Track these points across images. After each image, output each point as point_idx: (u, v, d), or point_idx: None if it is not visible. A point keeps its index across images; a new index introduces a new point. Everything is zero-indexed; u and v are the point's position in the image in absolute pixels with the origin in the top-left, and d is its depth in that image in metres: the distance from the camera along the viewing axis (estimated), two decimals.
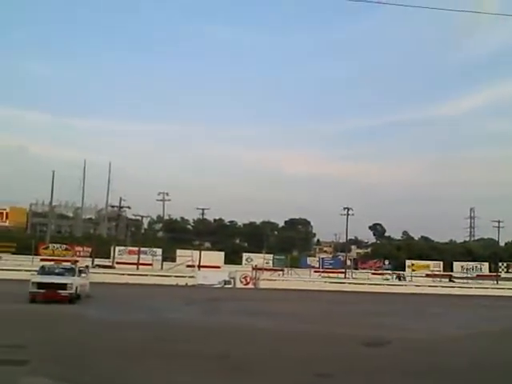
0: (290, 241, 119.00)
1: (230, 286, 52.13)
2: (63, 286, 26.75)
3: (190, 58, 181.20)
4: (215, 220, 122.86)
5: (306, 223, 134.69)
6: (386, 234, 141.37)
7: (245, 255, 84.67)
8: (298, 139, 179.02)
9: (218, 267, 68.96)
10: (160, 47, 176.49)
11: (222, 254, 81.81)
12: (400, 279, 74.01)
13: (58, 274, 28.63)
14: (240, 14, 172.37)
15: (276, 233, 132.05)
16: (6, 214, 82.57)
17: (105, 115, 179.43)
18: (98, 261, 65.85)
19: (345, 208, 79.20)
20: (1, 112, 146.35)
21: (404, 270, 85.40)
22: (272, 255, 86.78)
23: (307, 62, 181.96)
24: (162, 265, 72.45)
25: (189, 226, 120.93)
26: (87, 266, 36.29)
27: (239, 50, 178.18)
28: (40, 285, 26.67)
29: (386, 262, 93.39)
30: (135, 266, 66.32)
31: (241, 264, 78.53)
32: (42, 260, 58.81)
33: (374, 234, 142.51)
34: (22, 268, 46.78)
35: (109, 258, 71.12)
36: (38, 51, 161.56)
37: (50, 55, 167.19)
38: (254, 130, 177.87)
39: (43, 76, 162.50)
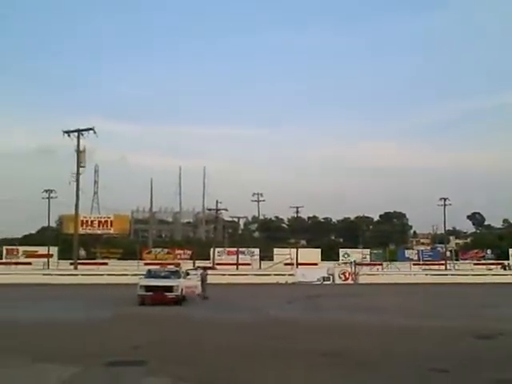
0: (385, 234, 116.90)
1: (329, 282, 51.79)
2: (170, 289, 27.43)
3: (276, 62, 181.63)
4: (309, 218, 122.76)
5: (401, 216, 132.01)
6: (486, 223, 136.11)
7: (341, 251, 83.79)
8: (389, 130, 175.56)
9: (316, 264, 68.72)
10: (246, 52, 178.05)
11: (319, 250, 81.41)
12: (505, 269, 71.04)
13: (164, 277, 29.40)
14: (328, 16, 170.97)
15: (371, 227, 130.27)
16: (111, 222, 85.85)
17: (197, 121, 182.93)
18: (198, 263, 67.21)
19: (441, 198, 76.93)
20: (101, 125, 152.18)
21: (508, 260, 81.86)
22: (369, 250, 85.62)
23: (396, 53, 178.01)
24: (260, 264, 73.05)
25: (284, 225, 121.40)
26: (206, 268, 36.90)
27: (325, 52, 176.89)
28: (148, 288, 27.47)
29: (488, 252, 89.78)
30: (235, 267, 67.20)
31: (337, 260, 77.77)
32: (145, 264, 60.70)
33: (473, 224, 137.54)
34: (128, 273, 48.38)
35: (208, 259, 72.41)
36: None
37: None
38: (344, 124, 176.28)
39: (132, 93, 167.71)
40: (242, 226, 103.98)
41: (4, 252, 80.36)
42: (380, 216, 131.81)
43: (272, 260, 74.79)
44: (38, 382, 10.18)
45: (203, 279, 32.35)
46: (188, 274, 31.82)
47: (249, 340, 15.89)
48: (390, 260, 76.38)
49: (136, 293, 27.60)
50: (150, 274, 30.57)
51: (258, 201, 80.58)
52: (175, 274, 30.23)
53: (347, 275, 53.74)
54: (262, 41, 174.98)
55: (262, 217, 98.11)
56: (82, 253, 74.84)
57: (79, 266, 59.34)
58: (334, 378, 10.79)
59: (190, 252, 76.95)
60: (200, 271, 34.84)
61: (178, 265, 47.45)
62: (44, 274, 52.13)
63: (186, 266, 48.99)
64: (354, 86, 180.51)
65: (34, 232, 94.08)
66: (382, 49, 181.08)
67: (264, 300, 30.83)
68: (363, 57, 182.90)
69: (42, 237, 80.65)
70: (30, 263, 70.90)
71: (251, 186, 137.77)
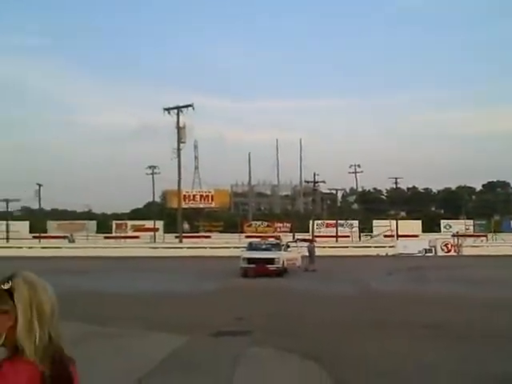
0: (489, 205, 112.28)
1: (431, 254, 50.68)
2: (271, 261, 27.87)
3: (379, 31, 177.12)
4: (408, 188, 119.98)
5: (505, 185, 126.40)
6: None
7: (443, 222, 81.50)
8: (488, 96, 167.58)
9: (416, 236, 67.33)
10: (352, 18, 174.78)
11: (419, 222, 79.63)
12: None
13: (265, 250, 29.90)
14: None
15: (473, 197, 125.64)
16: (212, 196, 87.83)
17: (292, 93, 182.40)
18: (297, 235, 67.59)
19: None
20: (200, 102, 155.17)
21: None
22: (472, 221, 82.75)
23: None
24: (359, 236, 72.50)
25: (382, 197, 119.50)
26: (312, 241, 37.22)
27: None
28: (250, 260, 28.05)
29: None
30: (334, 239, 67.08)
31: (439, 232, 75.82)
32: (246, 237, 61.78)
33: None
34: (230, 245, 49.43)
35: (307, 232, 72.64)
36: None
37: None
38: (443, 91, 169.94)
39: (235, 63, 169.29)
40: (340, 199, 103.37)
41: (114, 226, 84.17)
42: (483, 185, 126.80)
43: (371, 232, 74.00)
44: (151, 350, 10.72)
45: (310, 252, 32.50)
46: (288, 247, 32.14)
47: (350, 312, 15.93)
48: (495, 231, 73.53)
49: (238, 265, 28.25)
50: (251, 247, 31.17)
51: (356, 172, 79.91)
52: (276, 247, 30.68)
53: (450, 247, 52.35)
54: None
55: (360, 188, 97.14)
56: (186, 226, 77.10)
57: (184, 240, 61.28)
58: (437, 350, 10.67)
59: (289, 225, 77.45)
60: (307, 244, 35.17)
61: (278, 237, 47.95)
62: (151, 248, 54.26)
63: (286, 238, 49.43)
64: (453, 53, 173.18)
65: (140, 207, 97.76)
66: None
67: (364, 272, 30.65)
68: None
69: (148, 211, 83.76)
70: (137, 237, 73.98)
71: (348, 158, 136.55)
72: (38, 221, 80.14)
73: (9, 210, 76.95)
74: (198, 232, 77.01)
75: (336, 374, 8.82)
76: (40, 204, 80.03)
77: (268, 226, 79.02)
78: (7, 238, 67.89)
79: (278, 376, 8.92)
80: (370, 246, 54.63)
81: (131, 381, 8.43)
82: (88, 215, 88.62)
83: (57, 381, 1.97)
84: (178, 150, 62.85)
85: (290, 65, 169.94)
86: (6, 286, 2.01)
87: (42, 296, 2.04)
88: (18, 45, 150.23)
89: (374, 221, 79.35)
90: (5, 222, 71.87)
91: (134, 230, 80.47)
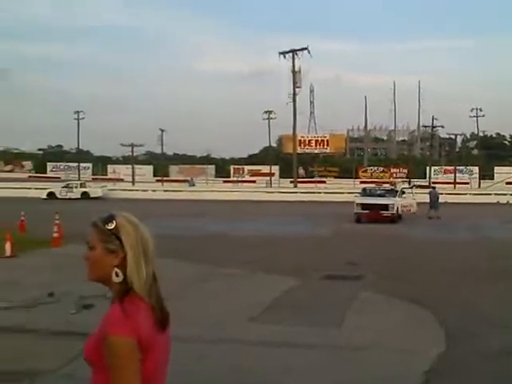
0: None
1: None
2: (385, 207, 27.53)
3: None
4: None
5: None
6: None
7: None
8: None
9: None
10: None
11: None
12: None
13: (379, 196, 29.54)
14: None
15: None
16: (327, 141, 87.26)
17: (411, 36, 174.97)
18: (413, 181, 66.03)
19: None
20: (315, 45, 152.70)
21: None
22: None
23: None
24: (479, 183, 69.62)
25: (506, 142, 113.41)
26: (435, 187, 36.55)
27: None
28: (364, 206, 27.86)
29: None
30: (452, 186, 64.90)
31: None
32: (361, 183, 61.17)
33: None
34: (344, 191, 49.23)
35: (424, 178, 70.70)
36: None
37: None
38: None
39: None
40: (459, 144, 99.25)
41: (231, 171, 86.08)
42: None
43: (492, 179, 70.79)
44: (263, 290, 11.07)
45: (433, 198, 31.64)
46: (403, 193, 31.53)
47: (467, 260, 15.53)
48: None
49: (352, 211, 28.16)
50: (365, 193, 30.88)
51: (477, 116, 75.83)
52: (391, 193, 30.21)
53: None
54: None
55: (481, 133, 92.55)
56: (301, 171, 77.47)
57: (298, 185, 61.68)
58: None
59: (405, 170, 75.76)
60: (430, 190, 34.46)
61: (393, 183, 47.10)
62: (267, 192, 55.10)
63: (402, 184, 48.42)
64: None
65: (257, 151, 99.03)
66: None
67: (485, 219, 29.51)
68: None
69: (264, 156, 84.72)
70: (254, 181, 75.32)
71: (469, 102, 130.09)
72: (161, 165, 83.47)
73: (134, 154, 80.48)
74: (312, 177, 77.16)
75: (446, 323, 8.72)
76: (162, 149, 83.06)
77: (383, 171, 77.64)
78: (133, 182, 71.31)
79: (387, 320, 8.96)
80: (490, 194, 52.35)
81: (244, 316, 8.81)
82: (207, 160, 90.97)
83: (161, 315, 2.08)
84: (294, 94, 62.61)
85: (410, 4, 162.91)
86: (110, 226, 2.06)
87: (146, 234, 2.11)
88: None
89: (496, 167, 75.76)
90: (130, 166, 75.30)
91: (251, 175, 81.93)
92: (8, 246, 14.27)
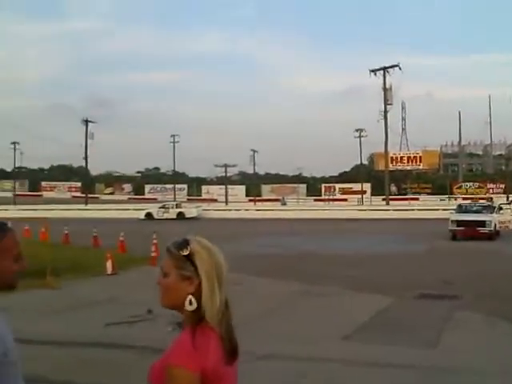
0: None
1: None
2: (482, 224, 26.55)
3: None
4: None
5: None
6: None
7: None
8: None
9: None
10: None
11: None
12: None
13: (475, 212, 28.53)
14: None
15: None
16: (420, 157, 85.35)
17: (503, 46, 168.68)
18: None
19: None
20: (406, 61, 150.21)
21: None
22: None
23: None
24: None
25: None
26: None
27: None
28: (459, 222, 26.99)
29: None
30: None
31: None
32: (456, 199, 59.30)
33: None
34: (438, 207, 47.92)
35: None
36: None
37: None
38: None
39: None
40: None
41: (322, 189, 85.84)
42: None
43: None
44: (356, 309, 10.95)
45: None
46: (501, 209, 30.28)
47: None
48: None
49: (447, 227, 27.35)
50: (461, 209, 29.96)
51: None
52: (488, 209, 29.11)
53: None
54: None
55: None
56: (393, 188, 76.10)
57: (391, 202, 60.62)
58: None
59: (502, 186, 72.78)
60: None
61: (490, 199, 45.37)
62: (358, 210, 54.52)
63: (499, 200, 46.55)
64: None
65: (348, 170, 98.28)
66: None
67: None
68: None
69: (355, 174, 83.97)
70: (345, 199, 74.71)
71: None
72: (253, 185, 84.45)
73: (227, 174, 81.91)
74: (405, 194, 75.63)
75: None
76: (255, 169, 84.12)
77: (479, 187, 75.03)
78: (226, 201, 72.58)
79: (485, 341, 8.62)
80: None
81: (338, 335, 8.74)
82: (298, 179, 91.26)
83: (229, 346, 1.99)
84: (385, 111, 61.85)
85: (503, 14, 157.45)
86: (185, 252, 1.98)
87: (220, 259, 2.04)
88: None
89: None
90: (224, 187, 76.70)
91: (342, 193, 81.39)
92: (109, 264, 14.91)
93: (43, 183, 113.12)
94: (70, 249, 21.75)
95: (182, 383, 1.85)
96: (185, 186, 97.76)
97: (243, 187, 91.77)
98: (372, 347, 8.12)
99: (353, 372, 7.06)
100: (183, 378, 1.85)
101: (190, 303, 1.95)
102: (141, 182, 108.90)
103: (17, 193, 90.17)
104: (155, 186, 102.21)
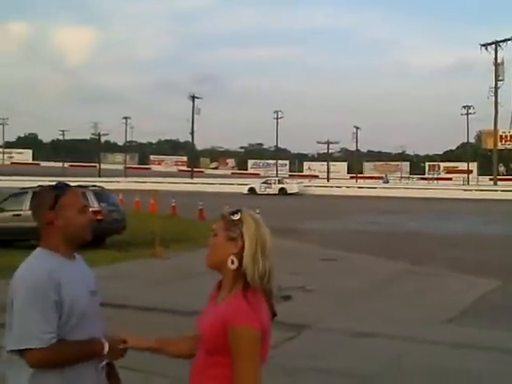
0: None
1: None
2: None
3: None
4: None
5: None
6: None
7: None
8: None
9: None
10: None
11: None
12: None
13: None
14: None
15: None
16: None
17: None
18: None
19: None
20: None
21: None
22: None
23: None
24: None
25: None
26: None
27: None
28: None
29: None
30: None
31: None
32: None
33: None
34: None
35: None
36: None
37: None
38: None
39: None
40: None
41: (426, 168, 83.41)
42: None
43: None
44: (460, 291, 10.59)
45: None
46: None
47: None
48: None
49: None
50: None
51: None
52: None
53: None
54: None
55: None
56: (501, 169, 72.70)
57: (499, 182, 57.94)
58: None
59: None
60: None
61: None
62: (464, 190, 52.56)
63: None
64: None
65: (453, 148, 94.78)
66: None
67: None
68: None
69: (461, 152, 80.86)
70: (450, 179, 72.22)
71: None
72: (355, 162, 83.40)
73: (329, 151, 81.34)
74: None
75: None
76: (357, 146, 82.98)
77: None
78: (327, 178, 72.17)
79: None
80: None
81: (442, 317, 8.51)
82: (401, 156, 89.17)
83: (270, 309, 2.17)
84: (496, 87, 58.79)
85: None
86: (235, 217, 2.17)
87: (265, 231, 2.17)
88: None
89: None
90: (325, 163, 76.26)
91: (447, 172, 78.74)
92: None
93: (151, 157, 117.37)
94: (177, 221, 22.46)
95: (249, 340, 2.03)
96: (287, 161, 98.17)
97: (345, 164, 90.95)
98: (476, 331, 7.85)
99: (455, 354, 6.86)
100: (250, 335, 2.03)
101: (232, 262, 2.12)
102: (244, 157, 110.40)
103: (127, 165, 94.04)
104: (258, 161, 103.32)
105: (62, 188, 2.39)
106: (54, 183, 2.45)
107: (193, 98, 73.64)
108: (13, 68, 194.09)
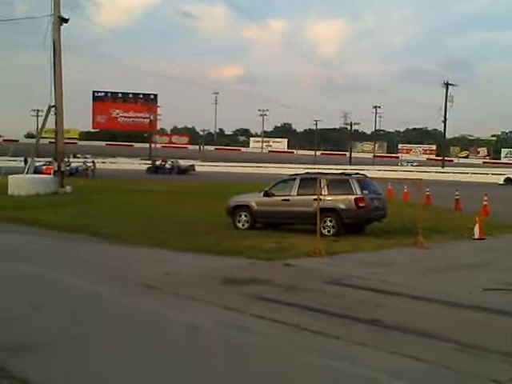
0: None
1: None
2: None
3: None
4: None
5: None
6: None
7: None
8: None
9: None
10: None
11: None
12: None
13: None
14: None
15: None
16: None
17: None
18: None
19: None
20: None
21: None
22: None
23: None
24: None
25: None
26: None
27: None
28: None
29: None
30: None
31: None
32: None
33: None
34: None
35: None
36: None
37: None
38: None
39: None
40: None
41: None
42: None
43: None
44: None
45: None
46: None
47: None
48: None
49: None
50: None
51: None
52: None
53: None
54: None
55: None
56: None
57: None
58: None
59: None
60: None
61: None
62: None
63: None
64: None
65: None
66: None
67: None
68: None
69: None
70: None
71: None
72: None
73: None
74: None
75: None
76: None
77: None
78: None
79: None
80: None
81: None
82: None
83: None
84: None
85: None
86: None
87: None
88: None
89: None
90: None
91: None
92: (477, 229, 14.38)
93: (400, 145, 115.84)
94: (433, 210, 21.70)
95: None
96: None
97: None
98: None
99: None
100: None
101: None
102: (496, 146, 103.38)
103: (375, 154, 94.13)
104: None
105: None
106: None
107: (446, 85, 69.91)
108: (272, 62, 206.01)
